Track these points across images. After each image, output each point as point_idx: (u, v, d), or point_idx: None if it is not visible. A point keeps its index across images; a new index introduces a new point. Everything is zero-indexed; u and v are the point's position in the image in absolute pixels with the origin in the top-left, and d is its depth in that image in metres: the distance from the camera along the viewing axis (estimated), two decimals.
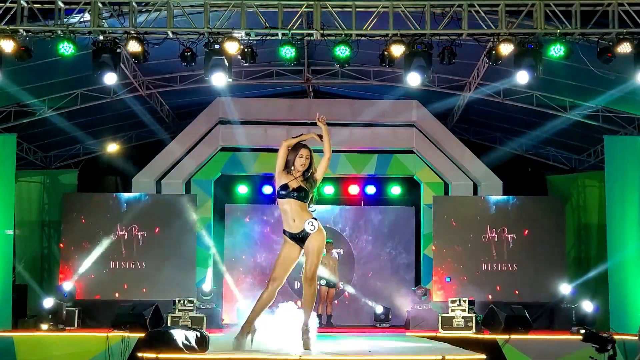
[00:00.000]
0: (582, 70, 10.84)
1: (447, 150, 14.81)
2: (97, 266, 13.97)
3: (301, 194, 6.93)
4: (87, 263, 13.90)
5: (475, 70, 12.62)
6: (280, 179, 7.01)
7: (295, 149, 7.05)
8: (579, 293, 13.24)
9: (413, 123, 14.82)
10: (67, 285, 12.99)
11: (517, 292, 13.93)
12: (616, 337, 10.77)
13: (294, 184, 6.96)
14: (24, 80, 11.71)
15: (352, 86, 14.47)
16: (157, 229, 14.15)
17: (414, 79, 10.21)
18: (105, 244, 14.06)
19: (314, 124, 15.47)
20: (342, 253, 15.44)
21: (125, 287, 13.90)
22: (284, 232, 7.04)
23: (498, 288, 14.04)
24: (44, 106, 13.13)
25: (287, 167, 7.06)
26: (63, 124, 13.81)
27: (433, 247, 14.33)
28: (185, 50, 10.21)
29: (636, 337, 9.43)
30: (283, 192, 6.94)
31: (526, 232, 14.24)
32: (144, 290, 13.74)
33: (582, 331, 7.10)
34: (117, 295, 13.75)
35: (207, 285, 13.62)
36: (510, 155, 16.03)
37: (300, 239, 6.96)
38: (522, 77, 10.07)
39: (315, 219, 6.95)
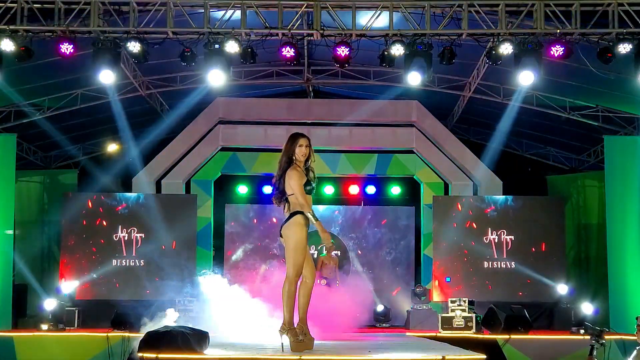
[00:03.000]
0: (582, 70, 10.84)
1: (447, 150, 14.82)
2: (97, 266, 13.97)
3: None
4: (87, 263, 13.91)
5: (475, 70, 12.63)
6: (301, 178, 6.75)
7: (294, 139, 6.85)
8: (578, 294, 13.25)
9: (413, 123, 14.82)
10: (68, 287, 12.97)
11: (517, 292, 13.92)
12: (616, 336, 10.90)
13: (311, 178, 6.83)
14: (23, 81, 11.71)
15: (352, 86, 14.47)
16: (157, 229, 14.13)
17: (414, 78, 10.22)
18: (105, 243, 14.07)
19: (314, 124, 15.63)
20: (339, 254, 15.42)
21: (125, 287, 13.89)
22: (304, 215, 6.70)
23: (498, 288, 14.04)
24: (44, 106, 13.14)
25: (291, 160, 6.83)
26: (63, 124, 13.82)
27: (435, 249, 14.35)
28: (185, 50, 10.22)
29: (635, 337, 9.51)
30: (311, 187, 6.75)
31: (526, 232, 14.23)
32: (144, 290, 13.73)
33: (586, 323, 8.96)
34: (117, 295, 13.73)
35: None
36: (510, 155, 16.04)
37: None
38: (526, 79, 10.06)
39: None
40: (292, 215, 6.71)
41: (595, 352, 7.65)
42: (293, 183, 6.70)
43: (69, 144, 15.43)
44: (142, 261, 14.02)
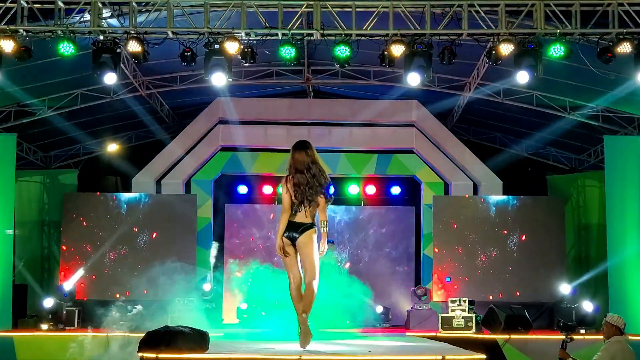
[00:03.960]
0: (582, 70, 10.84)
1: (447, 150, 14.82)
2: (97, 266, 13.98)
3: None
4: (87, 263, 13.92)
5: (475, 70, 12.63)
6: None
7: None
8: (579, 293, 13.24)
9: (413, 123, 14.82)
10: (68, 286, 12.97)
11: (517, 292, 13.93)
12: None
13: None
14: (24, 80, 11.70)
15: (352, 86, 14.48)
16: (157, 229, 14.15)
17: (413, 79, 10.21)
18: (105, 243, 14.07)
19: (314, 124, 15.64)
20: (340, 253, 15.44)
21: (125, 287, 13.88)
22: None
23: (498, 288, 14.05)
24: (44, 106, 13.15)
25: None
26: (63, 124, 13.83)
27: (435, 249, 14.36)
28: (185, 50, 10.21)
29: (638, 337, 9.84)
30: None
31: (526, 232, 14.23)
32: (144, 290, 13.72)
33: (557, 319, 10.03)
34: (117, 295, 13.73)
35: (208, 285, 13.63)
36: (510, 155, 16.04)
37: None
38: (522, 77, 10.06)
39: None
40: (311, 226, 7.03)
41: (566, 347, 8.29)
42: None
43: (69, 144, 15.45)
44: (141, 261, 14.01)
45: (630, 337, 10.87)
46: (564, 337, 8.36)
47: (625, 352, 8.05)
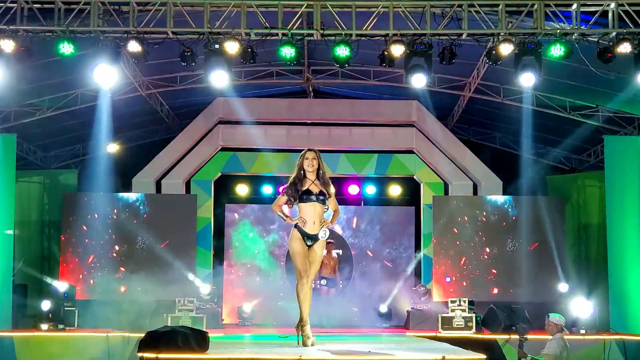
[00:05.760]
0: (582, 70, 10.84)
1: (447, 150, 14.81)
2: (97, 266, 13.97)
3: (323, 198, 7.11)
4: (86, 263, 13.91)
5: (475, 70, 12.63)
6: (295, 187, 7.07)
7: (302, 155, 7.19)
8: (578, 294, 13.23)
9: (413, 123, 14.82)
10: (62, 286, 12.95)
11: (517, 292, 13.91)
12: (616, 337, 10.94)
13: (315, 189, 7.07)
14: (23, 81, 11.69)
15: (352, 86, 14.48)
16: (157, 229, 14.14)
17: (419, 80, 10.19)
18: (105, 244, 14.06)
19: (314, 124, 15.62)
20: (341, 253, 15.45)
21: (125, 287, 13.89)
22: (297, 227, 7.10)
23: (497, 288, 14.05)
24: (44, 106, 13.14)
25: (301, 175, 7.13)
26: (63, 124, 13.81)
27: (435, 250, 14.34)
28: (185, 50, 10.21)
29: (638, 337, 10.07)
30: (312, 197, 7.05)
31: (526, 232, 14.22)
32: (144, 290, 13.72)
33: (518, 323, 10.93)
34: (117, 295, 13.73)
35: (207, 286, 13.62)
36: (510, 155, 16.03)
37: (311, 239, 7.13)
38: (527, 80, 10.04)
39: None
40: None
41: (523, 346, 9.33)
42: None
43: (69, 144, 15.43)
44: (142, 261, 14.02)
45: (630, 337, 10.95)
46: (519, 338, 9.41)
47: (566, 345, 9.43)
